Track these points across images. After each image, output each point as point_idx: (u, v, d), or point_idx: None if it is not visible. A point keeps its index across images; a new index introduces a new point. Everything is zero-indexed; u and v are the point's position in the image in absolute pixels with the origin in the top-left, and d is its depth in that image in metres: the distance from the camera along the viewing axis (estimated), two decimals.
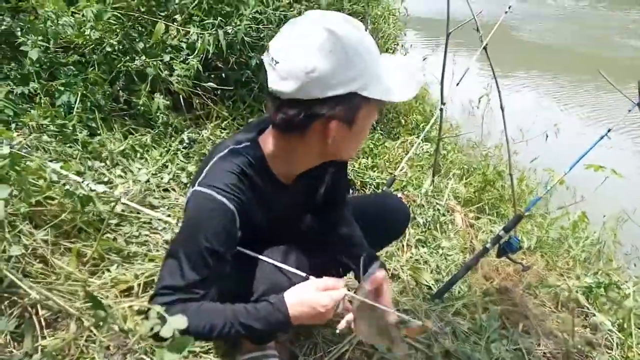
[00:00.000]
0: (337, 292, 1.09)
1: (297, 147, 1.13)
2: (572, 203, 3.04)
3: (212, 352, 1.50)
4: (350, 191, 2.72)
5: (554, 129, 3.55)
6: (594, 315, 2.10)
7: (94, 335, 1.39)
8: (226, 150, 1.15)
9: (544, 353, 1.79)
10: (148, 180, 2.22)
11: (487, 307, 1.99)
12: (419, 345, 1.68)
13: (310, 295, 1.08)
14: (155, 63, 2.39)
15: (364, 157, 3.01)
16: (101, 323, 0.91)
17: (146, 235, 1.92)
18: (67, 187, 1.67)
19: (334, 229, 1.46)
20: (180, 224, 1.14)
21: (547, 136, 3.47)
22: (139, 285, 1.61)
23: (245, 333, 1.07)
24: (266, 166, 1.17)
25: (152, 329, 0.83)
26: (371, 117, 1.12)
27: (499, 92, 2.36)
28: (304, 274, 1.18)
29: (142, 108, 2.40)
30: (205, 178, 1.11)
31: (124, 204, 1.86)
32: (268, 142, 1.17)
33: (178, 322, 0.91)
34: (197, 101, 2.62)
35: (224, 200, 1.07)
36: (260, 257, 1.21)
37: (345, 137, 1.09)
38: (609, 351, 1.89)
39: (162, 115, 2.43)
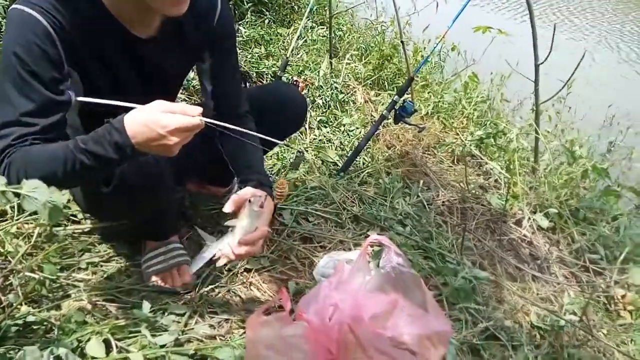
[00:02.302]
0: (184, 117, 0.90)
1: None
2: (463, 68, 3.14)
3: (114, 260, 1.41)
4: (247, 84, 2.59)
5: None
6: (486, 163, 2.27)
7: None
8: None
9: (443, 202, 1.91)
10: None
11: (390, 171, 2.07)
12: (328, 216, 1.72)
13: (150, 114, 0.91)
14: None
15: (256, 47, 2.84)
16: None
17: None
18: None
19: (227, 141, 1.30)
20: None
21: (437, 4, 3.45)
22: (12, 207, 1.43)
23: (89, 162, 0.92)
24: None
25: None
26: None
27: None
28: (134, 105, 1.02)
29: None
30: None
31: None
32: None
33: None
34: None
35: (34, 13, 0.94)
36: (110, 101, 0.97)
37: None
38: (498, 190, 2.08)
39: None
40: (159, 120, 0.89)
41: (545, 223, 1.86)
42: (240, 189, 1.19)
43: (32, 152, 0.94)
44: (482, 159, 2.27)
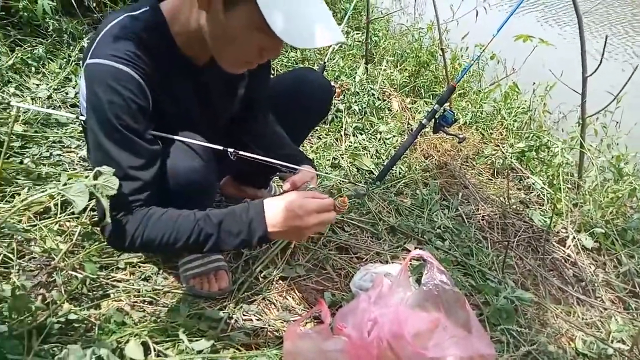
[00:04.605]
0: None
1: (186, 8, 0.99)
2: (503, 77, 3.06)
3: (152, 261, 1.41)
4: None
5: (484, 4, 3.46)
6: (528, 177, 2.19)
7: (11, 260, 1.26)
8: (120, 17, 0.98)
9: (483, 216, 1.85)
10: (50, 97, 1.96)
11: (428, 182, 2.02)
12: (364, 226, 1.69)
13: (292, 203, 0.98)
14: None
15: (292, 51, 2.83)
16: None
17: (58, 155, 1.73)
18: None
19: (256, 134, 1.36)
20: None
21: (477, 13, 3.38)
22: (55, 205, 1.46)
23: (216, 237, 0.98)
24: (168, 36, 1.01)
25: None
26: (248, 29, 0.92)
27: None
28: (221, 147, 1.08)
29: (25, 14, 2.05)
30: (97, 49, 0.94)
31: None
32: (169, 4, 1.01)
33: None
34: (93, 2, 2.28)
35: (125, 68, 0.92)
36: (179, 137, 1.06)
37: (216, 21, 0.94)
38: (541, 207, 2.00)
39: (52, 21, 2.11)
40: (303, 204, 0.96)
41: (590, 243, 1.78)
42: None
43: (154, 217, 0.96)
44: (523, 172, 2.19)
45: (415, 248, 1.57)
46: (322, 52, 2.99)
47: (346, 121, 2.34)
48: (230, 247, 0.98)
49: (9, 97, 1.87)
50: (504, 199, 1.96)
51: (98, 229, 1.38)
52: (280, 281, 1.41)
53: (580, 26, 1.95)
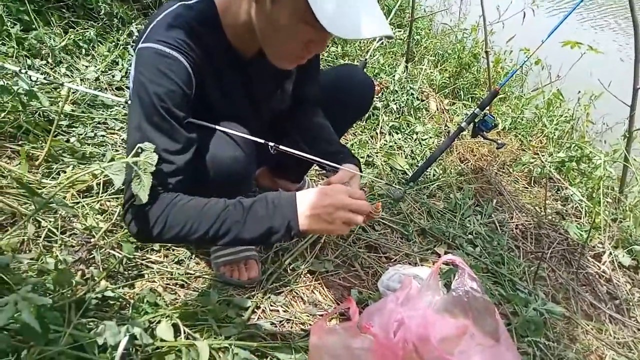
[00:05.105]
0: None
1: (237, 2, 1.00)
2: (547, 83, 2.98)
3: (183, 245, 1.45)
4: None
5: (532, 6, 3.36)
6: (566, 188, 2.13)
7: (55, 235, 1.32)
8: (174, 6, 1.00)
9: (517, 225, 1.82)
10: (98, 79, 2.03)
11: (462, 186, 1.99)
12: (395, 226, 1.69)
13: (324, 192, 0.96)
14: None
15: (333, 45, 2.83)
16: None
17: (102, 135, 1.79)
18: (2, 82, 1.49)
19: (303, 127, 1.36)
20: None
21: (524, 14, 3.29)
22: (98, 184, 1.51)
23: (242, 223, 0.94)
24: (220, 28, 1.03)
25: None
26: (294, 18, 0.91)
27: None
28: (262, 141, 1.09)
29: None
30: (150, 35, 0.96)
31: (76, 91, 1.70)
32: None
33: None
34: None
35: (175, 54, 0.94)
36: (221, 127, 1.08)
37: (264, 12, 0.94)
38: (578, 219, 1.95)
39: (104, 5, 2.17)
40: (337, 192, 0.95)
41: (627, 260, 1.72)
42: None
43: (180, 204, 0.94)
44: (561, 183, 2.13)
45: (446, 252, 1.55)
46: (362, 48, 2.97)
47: (382, 119, 2.32)
48: (256, 234, 0.94)
49: (60, 77, 1.95)
50: (540, 208, 1.92)
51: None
52: (309, 275, 1.42)
53: (636, 34, 1.88)
